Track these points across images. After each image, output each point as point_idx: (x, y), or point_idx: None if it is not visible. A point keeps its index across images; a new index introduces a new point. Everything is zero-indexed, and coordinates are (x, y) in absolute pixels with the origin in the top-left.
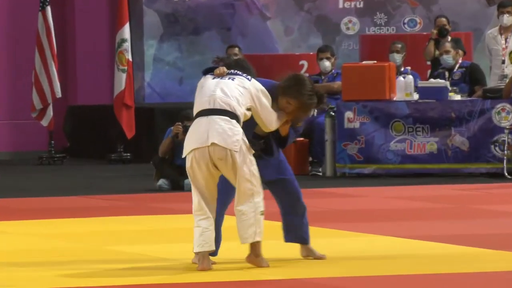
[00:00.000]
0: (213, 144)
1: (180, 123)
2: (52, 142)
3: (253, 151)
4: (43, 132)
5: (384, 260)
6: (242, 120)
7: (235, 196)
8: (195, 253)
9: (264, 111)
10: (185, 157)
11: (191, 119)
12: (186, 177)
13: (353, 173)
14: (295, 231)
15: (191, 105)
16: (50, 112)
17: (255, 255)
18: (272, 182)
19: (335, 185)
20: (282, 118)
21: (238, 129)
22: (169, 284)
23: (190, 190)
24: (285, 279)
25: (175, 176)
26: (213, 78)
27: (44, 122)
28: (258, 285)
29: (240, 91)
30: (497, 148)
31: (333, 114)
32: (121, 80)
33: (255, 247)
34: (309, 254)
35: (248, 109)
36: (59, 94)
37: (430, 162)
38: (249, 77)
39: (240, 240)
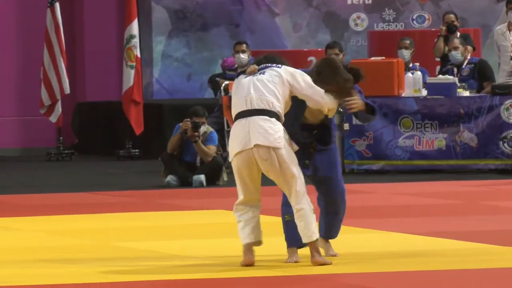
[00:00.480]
0: (256, 145)
1: (188, 120)
2: (61, 138)
3: (298, 147)
4: (51, 129)
5: (392, 256)
6: (283, 113)
7: (288, 194)
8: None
9: (308, 89)
10: (193, 153)
11: (199, 115)
12: (194, 173)
13: (361, 169)
14: (331, 229)
15: (199, 101)
16: (58, 108)
17: (318, 253)
18: (321, 180)
19: (344, 181)
20: (332, 98)
21: (278, 127)
22: (178, 280)
23: (198, 187)
24: (293, 275)
25: (183, 172)
26: (246, 77)
27: (53, 119)
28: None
29: (275, 81)
30: (505, 144)
31: (341, 110)
32: (129, 76)
33: (316, 245)
34: (324, 248)
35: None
36: (67, 90)
37: (438, 158)
38: (279, 65)
39: (303, 239)
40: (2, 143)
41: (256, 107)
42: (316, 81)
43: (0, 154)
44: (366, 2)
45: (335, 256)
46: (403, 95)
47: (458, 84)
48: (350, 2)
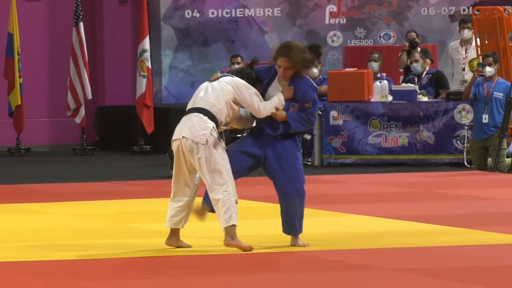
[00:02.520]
0: (183, 137)
1: None
2: (84, 136)
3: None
4: (76, 128)
5: (364, 236)
6: (221, 114)
7: (207, 185)
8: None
9: (245, 100)
10: None
11: None
12: None
13: (337, 163)
14: (288, 224)
15: None
16: (82, 111)
17: (230, 237)
18: (273, 171)
19: (322, 173)
20: (272, 106)
21: (207, 124)
22: (180, 256)
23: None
24: (280, 252)
25: None
26: (207, 83)
27: (77, 120)
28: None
29: (223, 87)
30: (458, 142)
31: (320, 113)
32: (142, 84)
33: (230, 230)
34: (295, 244)
35: (236, 103)
36: (90, 96)
37: (402, 154)
38: (233, 76)
39: (221, 225)
40: (35, 140)
41: (197, 106)
42: (275, 61)
43: (32, 149)
44: (341, 22)
45: (306, 246)
46: (372, 100)
47: (418, 91)
48: (328, 22)
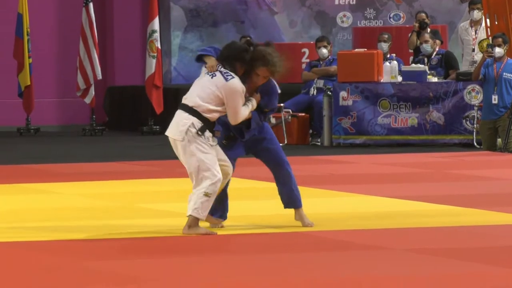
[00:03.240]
0: (167, 134)
1: None
2: (94, 116)
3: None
4: (86, 109)
5: (373, 216)
6: (210, 112)
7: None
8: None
9: (229, 109)
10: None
11: None
12: None
13: (346, 143)
14: (287, 199)
15: None
16: (92, 91)
17: (188, 226)
18: (257, 152)
19: (332, 153)
20: (247, 114)
21: (186, 121)
22: (197, 237)
23: None
24: (288, 232)
25: None
26: (205, 73)
27: (87, 100)
28: (266, 237)
29: (212, 89)
30: (468, 122)
31: (330, 93)
32: (151, 64)
33: (191, 220)
34: (299, 219)
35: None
36: (99, 76)
37: (411, 134)
38: (229, 76)
39: (187, 212)
40: (45, 121)
41: (185, 102)
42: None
43: (43, 130)
44: (351, 2)
45: (311, 225)
46: (381, 81)
47: (428, 72)
48: (337, 2)
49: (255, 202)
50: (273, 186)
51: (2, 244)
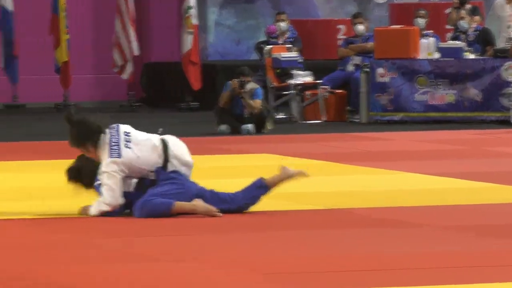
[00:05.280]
0: None
1: (236, 79)
2: (131, 93)
3: None
4: (123, 85)
5: (411, 193)
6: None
7: None
8: None
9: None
10: (241, 106)
11: (245, 74)
12: (243, 123)
13: (384, 120)
14: None
15: (246, 62)
16: (129, 67)
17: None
18: None
19: (369, 130)
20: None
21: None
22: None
23: (246, 134)
24: (324, 209)
25: (233, 122)
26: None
27: (124, 76)
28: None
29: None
30: (505, 100)
31: (367, 70)
32: (188, 41)
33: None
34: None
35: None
36: (136, 52)
37: (448, 111)
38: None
39: None
40: (82, 97)
41: None
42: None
43: (80, 106)
44: None
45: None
46: (418, 57)
47: (465, 49)
48: None
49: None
50: (308, 163)
51: (49, 220)
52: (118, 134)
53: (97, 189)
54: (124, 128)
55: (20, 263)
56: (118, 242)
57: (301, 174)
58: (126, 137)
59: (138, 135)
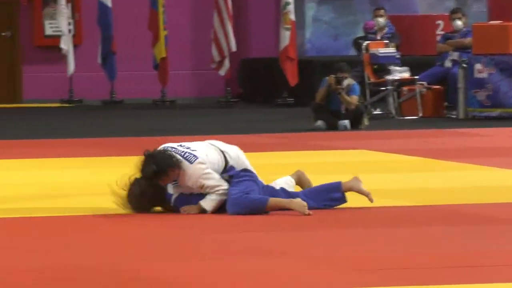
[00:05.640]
0: None
1: (333, 75)
2: (228, 89)
3: None
4: (220, 81)
5: (506, 189)
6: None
7: None
8: None
9: None
10: (338, 102)
11: (343, 70)
12: (340, 119)
13: (482, 116)
14: None
15: (344, 58)
16: (226, 63)
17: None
18: None
19: (467, 126)
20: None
21: None
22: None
23: (343, 130)
24: (420, 205)
25: (330, 118)
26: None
27: (222, 72)
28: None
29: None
30: None
31: (465, 66)
32: (285, 36)
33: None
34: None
35: None
36: (234, 48)
37: None
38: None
39: None
40: (180, 93)
41: None
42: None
43: (178, 102)
44: None
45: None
46: None
47: None
48: None
49: (382, 175)
50: (404, 159)
51: (150, 216)
52: (176, 148)
53: (169, 198)
54: (171, 144)
55: (133, 259)
56: (222, 237)
57: (369, 196)
58: (182, 146)
59: (187, 143)
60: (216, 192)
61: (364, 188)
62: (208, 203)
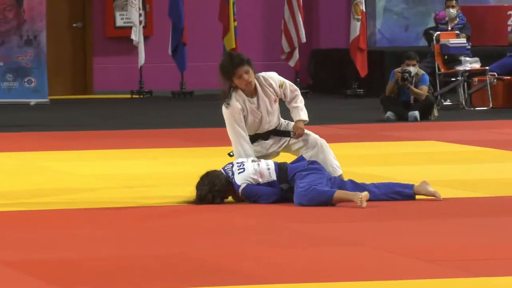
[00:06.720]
0: None
1: (399, 71)
2: (298, 80)
3: None
4: (290, 72)
5: None
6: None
7: None
8: None
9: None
10: (407, 94)
11: (411, 58)
12: (409, 110)
13: None
14: None
15: (414, 49)
16: (296, 54)
17: None
18: None
19: None
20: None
21: None
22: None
23: (413, 121)
24: (492, 197)
25: (400, 109)
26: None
27: (291, 63)
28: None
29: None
30: None
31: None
32: (356, 27)
33: None
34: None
35: None
36: (304, 39)
37: None
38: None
39: None
40: None
41: None
42: None
43: None
44: None
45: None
46: None
47: None
48: None
49: (452, 166)
50: (475, 150)
51: (225, 206)
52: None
53: (237, 188)
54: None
55: (214, 249)
56: (296, 226)
57: (436, 195)
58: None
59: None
60: (298, 95)
61: (431, 189)
62: (304, 113)
